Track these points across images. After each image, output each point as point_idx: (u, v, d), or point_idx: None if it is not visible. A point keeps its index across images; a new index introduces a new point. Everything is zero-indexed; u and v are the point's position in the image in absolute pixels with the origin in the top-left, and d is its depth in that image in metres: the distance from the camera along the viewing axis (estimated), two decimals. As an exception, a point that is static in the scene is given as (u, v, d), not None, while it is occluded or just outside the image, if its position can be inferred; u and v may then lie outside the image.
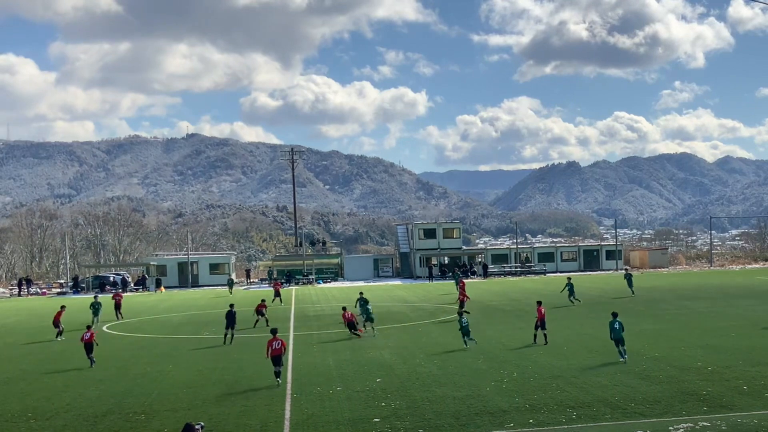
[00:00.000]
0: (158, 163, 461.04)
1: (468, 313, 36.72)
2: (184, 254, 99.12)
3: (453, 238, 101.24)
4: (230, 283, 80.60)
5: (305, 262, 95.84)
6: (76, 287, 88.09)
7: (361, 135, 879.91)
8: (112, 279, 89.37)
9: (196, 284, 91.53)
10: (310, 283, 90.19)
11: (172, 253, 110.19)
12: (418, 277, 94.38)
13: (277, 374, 27.77)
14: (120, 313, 53.27)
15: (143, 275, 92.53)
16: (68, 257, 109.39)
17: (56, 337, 43.44)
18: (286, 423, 21.67)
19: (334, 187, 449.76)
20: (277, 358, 27.87)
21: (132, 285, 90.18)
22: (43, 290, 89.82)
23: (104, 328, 47.43)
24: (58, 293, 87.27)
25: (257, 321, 45.18)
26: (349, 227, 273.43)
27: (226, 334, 38.87)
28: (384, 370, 29.21)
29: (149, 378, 29.60)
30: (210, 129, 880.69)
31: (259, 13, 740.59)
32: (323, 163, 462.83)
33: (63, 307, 46.35)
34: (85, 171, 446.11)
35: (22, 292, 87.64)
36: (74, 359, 35.23)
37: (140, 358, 35.10)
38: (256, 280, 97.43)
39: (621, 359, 29.53)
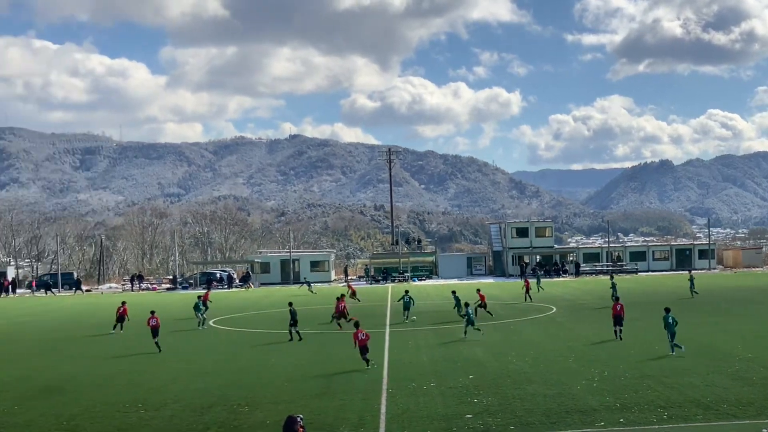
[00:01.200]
0: (262, 163, 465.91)
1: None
2: (287, 252, 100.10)
3: (545, 236, 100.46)
4: (308, 284, 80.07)
5: (401, 260, 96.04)
6: (174, 284, 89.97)
7: (455, 135, 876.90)
8: (218, 275, 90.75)
9: (297, 281, 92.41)
10: (406, 280, 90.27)
11: (275, 251, 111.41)
12: (511, 276, 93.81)
13: (367, 361, 29.75)
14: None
15: (247, 272, 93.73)
16: (177, 254, 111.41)
17: (113, 329, 45.07)
18: (382, 417, 21.72)
19: (429, 186, 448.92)
20: (364, 348, 29.78)
21: (237, 281, 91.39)
22: (153, 286, 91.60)
23: (211, 323, 48.19)
24: (167, 289, 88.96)
25: (339, 319, 45.12)
26: (443, 226, 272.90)
27: (290, 332, 39.00)
28: (476, 367, 29.09)
29: (253, 371, 29.97)
30: (312, 130, 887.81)
31: (359, 16, 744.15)
32: (419, 162, 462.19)
33: (124, 302, 47.26)
34: (194, 171, 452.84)
35: (133, 288, 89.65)
36: (181, 352, 35.93)
37: (244, 351, 35.58)
38: (354, 277, 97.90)
39: (672, 352, 30.52)
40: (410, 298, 47.91)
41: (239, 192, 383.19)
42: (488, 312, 47.05)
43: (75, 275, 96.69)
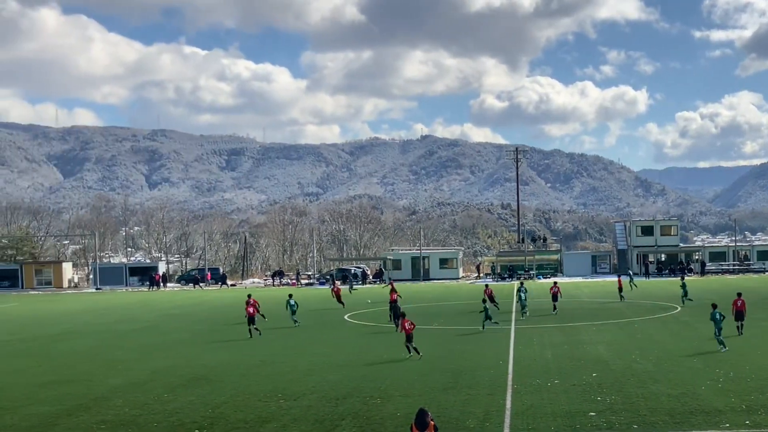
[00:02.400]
0: (395, 163, 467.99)
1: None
2: (417, 249, 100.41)
3: (670, 235, 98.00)
4: (350, 283, 79.76)
5: (526, 257, 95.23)
6: (276, 276, 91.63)
7: (582, 134, 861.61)
8: (353, 271, 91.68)
9: (427, 278, 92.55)
10: (531, 278, 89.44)
11: (406, 248, 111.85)
12: (635, 274, 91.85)
13: (408, 349, 31.78)
14: (341, 302, 55.94)
15: (380, 268, 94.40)
16: (315, 251, 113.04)
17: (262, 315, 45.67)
18: (507, 412, 21.60)
19: (555, 185, 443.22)
20: (409, 336, 31.72)
21: (371, 277, 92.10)
22: (293, 281, 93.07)
23: (345, 317, 48.70)
24: (306, 284, 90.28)
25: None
26: (568, 224, 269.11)
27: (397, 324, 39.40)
28: (600, 365, 28.62)
29: (385, 364, 30.21)
30: (442, 130, 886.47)
31: (489, 18, 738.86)
32: (545, 161, 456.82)
33: (249, 295, 47.93)
34: (331, 171, 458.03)
35: (275, 283, 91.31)
36: (318, 345, 36.45)
37: (377, 345, 35.85)
38: (483, 275, 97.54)
39: (720, 348, 31.23)
40: (525, 290, 48.57)
41: (373, 191, 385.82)
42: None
43: (221, 270, 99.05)
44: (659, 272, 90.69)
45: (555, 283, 52.75)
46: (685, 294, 51.76)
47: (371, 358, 31.79)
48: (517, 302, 48.12)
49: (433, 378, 27.01)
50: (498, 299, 51.81)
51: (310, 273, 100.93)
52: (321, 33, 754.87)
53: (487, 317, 40.27)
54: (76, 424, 21.76)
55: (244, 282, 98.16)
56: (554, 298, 49.49)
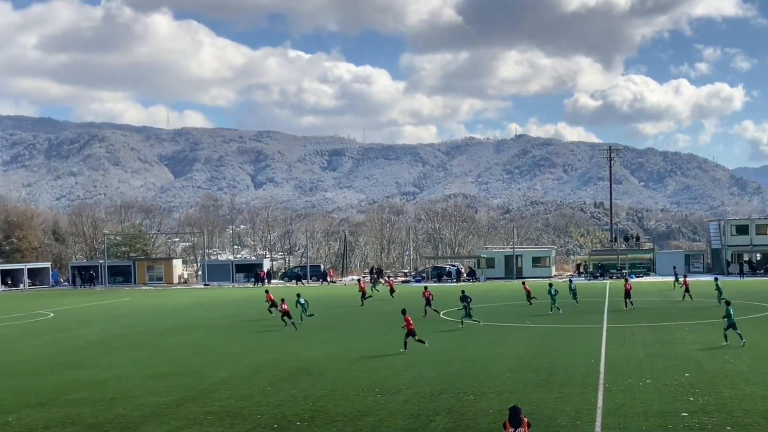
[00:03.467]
0: (489, 162, 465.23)
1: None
2: (510, 248, 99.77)
3: (766, 234, 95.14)
4: (374, 281, 78.82)
5: (619, 256, 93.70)
6: (375, 275, 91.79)
7: (675, 132, 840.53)
8: (447, 269, 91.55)
9: (520, 276, 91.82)
10: (623, 277, 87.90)
11: (499, 247, 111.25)
12: (730, 274, 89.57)
13: (406, 345, 33.15)
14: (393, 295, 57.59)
15: (473, 267, 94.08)
16: (411, 249, 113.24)
17: (269, 310, 48.67)
18: (599, 411, 21.31)
19: (648, 183, 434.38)
20: (412, 332, 33.33)
21: (465, 275, 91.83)
22: (390, 279, 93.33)
23: (441, 314, 48.67)
24: (402, 281, 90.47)
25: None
26: (661, 223, 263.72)
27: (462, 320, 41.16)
28: (692, 365, 27.96)
29: (479, 361, 30.07)
30: (536, 130, 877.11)
31: (585, 17, 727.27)
32: (639, 160, 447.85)
33: (267, 291, 50.07)
34: (427, 171, 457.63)
35: (373, 280, 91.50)
36: (414, 342, 36.51)
37: (472, 342, 35.73)
38: (574, 274, 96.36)
39: (742, 341, 32.33)
40: (556, 291, 49.79)
41: (468, 190, 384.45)
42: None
43: (322, 267, 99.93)
44: (753, 272, 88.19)
45: (626, 281, 52.92)
46: (720, 294, 50.51)
47: (465, 355, 31.71)
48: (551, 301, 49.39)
49: (526, 375, 26.84)
50: (535, 297, 53.63)
51: (406, 271, 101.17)
52: (419, 35, 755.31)
53: (468, 315, 41.79)
54: (184, 415, 22.25)
55: (343, 279, 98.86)
56: (627, 295, 49.80)
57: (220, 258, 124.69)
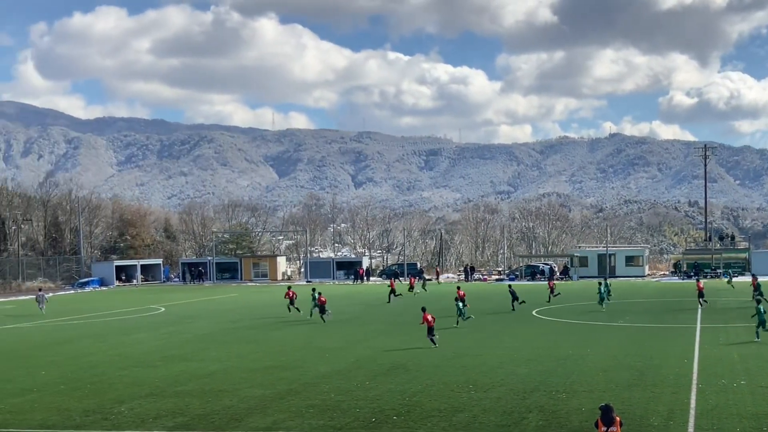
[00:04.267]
0: (583, 161, 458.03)
1: None
2: (603, 247, 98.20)
3: None
4: (423, 280, 78.83)
5: (713, 255, 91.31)
6: (469, 274, 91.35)
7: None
8: (540, 268, 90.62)
9: (613, 275, 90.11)
10: (717, 276, 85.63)
11: (592, 246, 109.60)
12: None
13: (432, 340, 33.71)
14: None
15: (566, 265, 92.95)
16: (506, 247, 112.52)
17: (289, 309, 48.84)
18: (692, 412, 20.88)
19: (744, 182, 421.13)
20: (431, 329, 33.96)
21: (558, 274, 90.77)
22: (485, 277, 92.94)
23: (534, 312, 48.32)
24: (496, 280, 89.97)
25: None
26: (758, 222, 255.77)
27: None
28: (788, 367, 27.20)
29: (570, 360, 29.75)
30: (630, 128, 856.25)
31: (681, 14, 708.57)
32: (734, 158, 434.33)
33: (319, 291, 49.45)
34: (522, 170, 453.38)
35: (467, 278, 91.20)
36: (507, 339, 36.37)
37: (564, 341, 35.34)
38: (667, 272, 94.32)
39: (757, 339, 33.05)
40: (607, 288, 51.02)
41: (561, 189, 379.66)
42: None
43: (418, 265, 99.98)
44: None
45: (698, 281, 53.74)
46: (757, 293, 49.42)
47: (558, 354, 31.41)
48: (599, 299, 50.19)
49: (618, 374, 26.45)
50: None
51: (500, 269, 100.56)
52: (515, 35, 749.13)
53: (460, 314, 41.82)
54: (287, 407, 22.62)
55: (439, 277, 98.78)
56: (700, 294, 49.44)
57: (321, 255, 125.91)
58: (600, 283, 52.24)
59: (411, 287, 69.46)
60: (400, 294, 61.46)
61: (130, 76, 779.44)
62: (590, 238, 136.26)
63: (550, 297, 55.38)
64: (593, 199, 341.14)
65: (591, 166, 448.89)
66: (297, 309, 48.58)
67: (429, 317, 34.45)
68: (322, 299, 45.79)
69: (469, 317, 42.64)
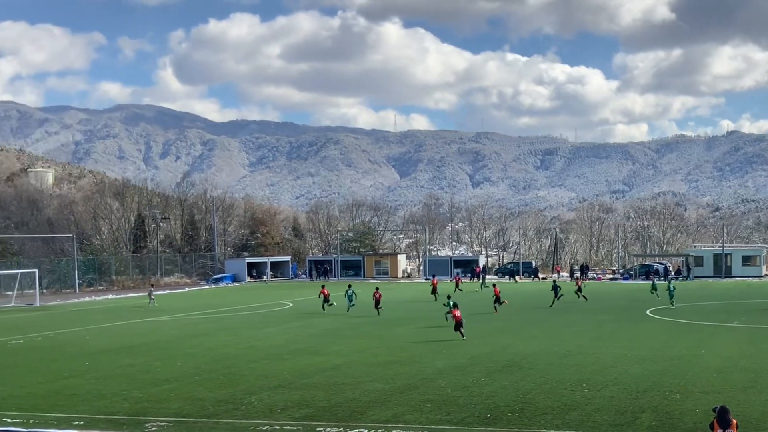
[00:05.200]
0: (700, 160, 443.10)
1: None
2: (719, 246, 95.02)
3: None
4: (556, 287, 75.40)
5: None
6: (583, 271, 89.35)
7: None
8: (655, 267, 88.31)
9: (729, 275, 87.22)
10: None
11: (708, 245, 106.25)
12: None
13: (462, 333, 35.27)
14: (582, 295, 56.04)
15: (680, 265, 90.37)
16: (620, 246, 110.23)
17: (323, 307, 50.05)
18: (809, 417, 20.12)
19: None
20: (459, 323, 35.49)
21: (672, 273, 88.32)
22: (599, 276, 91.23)
23: (648, 312, 47.22)
24: (611, 279, 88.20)
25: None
26: None
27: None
28: None
29: (684, 360, 28.92)
30: (749, 126, 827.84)
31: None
32: None
33: (323, 286, 52.79)
34: (637, 169, 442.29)
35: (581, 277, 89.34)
36: (620, 338, 35.61)
37: (678, 341, 34.41)
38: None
39: None
40: (674, 287, 51.45)
41: (677, 188, 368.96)
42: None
43: (533, 264, 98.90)
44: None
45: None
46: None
47: (672, 353, 30.61)
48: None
49: (733, 376, 25.60)
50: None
51: (614, 268, 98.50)
52: (632, 34, 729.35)
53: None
54: (405, 401, 22.74)
55: (553, 275, 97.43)
56: None
57: (440, 254, 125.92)
58: (669, 281, 53.31)
59: (457, 286, 68.70)
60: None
61: (262, 81, 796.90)
62: (706, 237, 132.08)
63: (579, 294, 56.01)
64: (709, 198, 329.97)
65: (707, 165, 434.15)
66: (330, 304, 50.54)
67: (457, 313, 36.07)
68: (378, 294, 48.29)
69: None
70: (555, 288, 53.10)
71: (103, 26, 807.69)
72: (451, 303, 39.16)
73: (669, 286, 51.47)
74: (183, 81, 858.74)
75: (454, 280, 72.27)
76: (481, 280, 76.99)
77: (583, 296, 56.11)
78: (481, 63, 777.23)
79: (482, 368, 28.02)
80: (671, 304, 49.77)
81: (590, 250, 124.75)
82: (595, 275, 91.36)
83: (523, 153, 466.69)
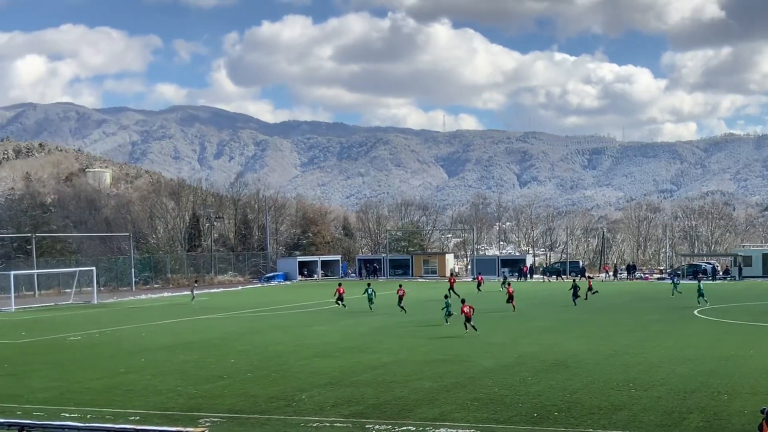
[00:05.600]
0: (749, 159, 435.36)
1: None
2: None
3: None
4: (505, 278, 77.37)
5: None
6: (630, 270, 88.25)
7: None
8: (703, 267, 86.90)
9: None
10: None
11: (757, 245, 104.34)
12: None
13: (466, 327, 36.65)
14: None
15: (728, 265, 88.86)
16: (668, 246, 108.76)
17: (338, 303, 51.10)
18: None
19: None
20: (469, 318, 36.75)
21: (720, 273, 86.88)
22: (646, 275, 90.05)
23: (695, 312, 46.54)
24: (658, 278, 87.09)
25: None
26: None
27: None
28: None
29: (732, 361, 28.47)
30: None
31: None
32: None
33: (339, 284, 53.88)
34: (685, 168, 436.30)
35: (629, 277, 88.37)
36: (667, 338, 35.17)
37: (726, 341, 33.87)
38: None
39: None
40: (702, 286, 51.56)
41: (725, 187, 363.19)
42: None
43: (580, 264, 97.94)
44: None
45: None
46: None
47: (720, 354, 30.14)
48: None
49: (782, 377, 25.18)
50: None
51: (662, 268, 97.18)
52: (681, 32, 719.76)
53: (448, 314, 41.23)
54: (452, 400, 22.74)
55: (600, 275, 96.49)
56: None
57: (487, 253, 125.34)
58: (699, 282, 53.14)
59: (479, 286, 68.40)
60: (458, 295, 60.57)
61: (314, 82, 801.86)
62: (755, 237, 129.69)
63: (587, 294, 55.83)
64: (759, 198, 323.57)
65: (757, 164, 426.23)
66: (344, 305, 51.01)
67: (466, 309, 37.04)
68: (401, 292, 49.30)
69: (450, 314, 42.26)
70: (574, 287, 53.29)
71: (160, 29, 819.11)
72: (449, 303, 41.57)
73: (699, 286, 51.54)
74: (237, 82, 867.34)
75: (477, 280, 72.03)
76: (502, 281, 76.80)
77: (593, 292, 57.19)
78: (530, 63, 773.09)
79: (529, 367, 27.88)
80: (698, 302, 49.98)
81: (637, 250, 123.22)
82: (642, 275, 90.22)
83: (571, 152, 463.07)
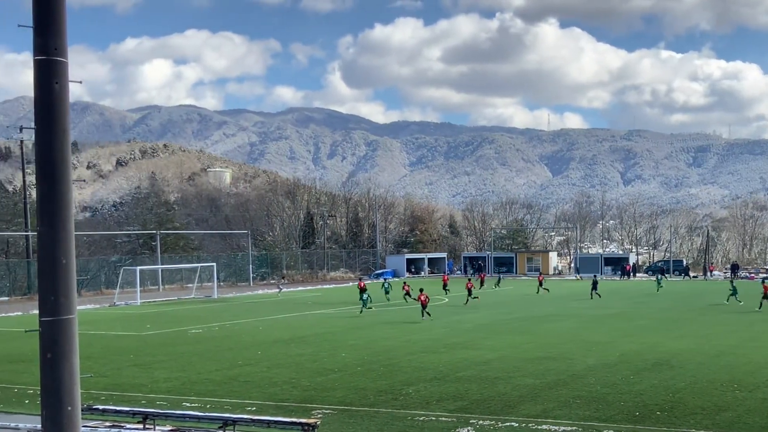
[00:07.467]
0: None
1: None
2: None
3: None
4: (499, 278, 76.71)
5: None
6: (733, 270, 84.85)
7: None
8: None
9: None
10: None
11: None
12: None
13: (426, 314, 41.24)
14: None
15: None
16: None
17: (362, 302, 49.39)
18: None
19: None
20: (424, 306, 41.02)
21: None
22: (751, 275, 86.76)
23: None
24: (763, 278, 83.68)
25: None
26: None
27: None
28: None
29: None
30: None
31: None
32: None
33: (361, 279, 55.86)
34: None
35: (734, 276, 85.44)
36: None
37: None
38: None
39: None
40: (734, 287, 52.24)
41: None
42: None
43: (684, 262, 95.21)
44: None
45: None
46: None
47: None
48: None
49: None
50: None
51: (767, 267, 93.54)
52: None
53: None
54: (555, 397, 22.48)
55: (706, 274, 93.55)
56: None
57: (590, 251, 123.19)
58: (731, 281, 55.98)
59: (482, 283, 67.29)
60: (476, 297, 58.88)
61: (423, 83, 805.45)
62: None
63: (592, 294, 55.85)
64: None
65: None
66: (368, 300, 50.34)
67: (423, 297, 40.62)
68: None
69: (370, 308, 45.55)
70: (594, 284, 56.90)
71: (279, 33, 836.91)
72: (366, 297, 44.97)
73: (731, 285, 52.72)
74: (350, 84, 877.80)
75: (479, 278, 71.31)
76: (496, 280, 76.41)
77: (597, 294, 56.56)
78: (636, 61, 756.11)
79: (631, 366, 27.29)
80: (727, 300, 51.19)
81: (743, 249, 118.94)
82: (747, 274, 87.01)
83: (675, 150, 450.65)
